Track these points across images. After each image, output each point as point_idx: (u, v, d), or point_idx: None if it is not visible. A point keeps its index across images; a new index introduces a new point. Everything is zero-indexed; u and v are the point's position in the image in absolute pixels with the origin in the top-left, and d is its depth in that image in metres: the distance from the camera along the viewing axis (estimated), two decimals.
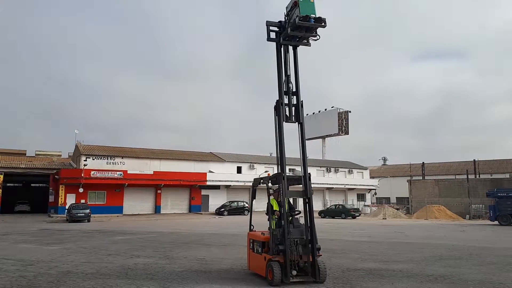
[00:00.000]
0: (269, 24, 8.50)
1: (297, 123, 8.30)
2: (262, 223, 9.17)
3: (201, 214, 41.51)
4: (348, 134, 66.38)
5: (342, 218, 36.26)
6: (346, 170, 58.27)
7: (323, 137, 67.66)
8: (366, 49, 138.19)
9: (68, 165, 44.16)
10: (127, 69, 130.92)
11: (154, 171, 40.75)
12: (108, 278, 8.21)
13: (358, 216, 37.87)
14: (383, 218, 36.74)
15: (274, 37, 8.50)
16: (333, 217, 37.08)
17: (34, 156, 50.02)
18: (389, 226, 26.00)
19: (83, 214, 29.30)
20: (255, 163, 49.50)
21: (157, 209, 41.53)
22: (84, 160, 38.25)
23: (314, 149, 69.27)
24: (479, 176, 46.82)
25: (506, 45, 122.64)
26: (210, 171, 44.77)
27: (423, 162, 51.11)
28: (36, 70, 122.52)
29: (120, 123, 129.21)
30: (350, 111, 66.65)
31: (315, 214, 8.60)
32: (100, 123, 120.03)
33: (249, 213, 9.44)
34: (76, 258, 11.08)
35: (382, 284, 7.63)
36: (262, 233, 8.24)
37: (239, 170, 48.27)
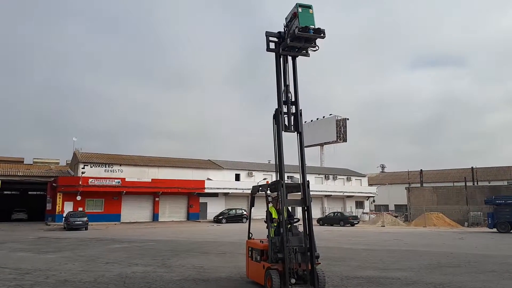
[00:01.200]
0: (268, 34, 8.57)
1: (296, 132, 8.35)
2: (260, 231, 9.17)
3: (199, 222, 41.38)
4: (346, 141, 66.55)
5: (340, 226, 36.22)
6: (345, 177, 58.30)
7: (321, 145, 67.80)
8: (365, 56, 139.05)
9: (66, 172, 44.07)
10: (125, 76, 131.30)
11: (152, 179, 40.69)
12: (106, 287, 8.17)
13: (356, 223, 37.82)
14: (381, 226, 36.69)
15: (274, 47, 8.57)
16: (331, 225, 37.03)
17: (31, 164, 49.93)
18: (388, 234, 25.97)
19: (80, 222, 29.16)
20: (254, 170, 49.48)
21: (155, 217, 41.39)
22: (82, 168, 38.20)
23: (312, 157, 69.26)
24: (477, 184, 46.90)
25: (503, 52, 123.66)
26: (208, 179, 44.72)
27: (421, 170, 51.16)
28: (34, 77, 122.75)
29: (118, 130, 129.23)
30: (348, 119, 66.91)
31: (314, 222, 8.59)
32: (98, 131, 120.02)
33: (248, 221, 9.45)
34: (74, 267, 11.03)
35: None
36: (260, 241, 8.24)
37: (237, 177, 48.22)
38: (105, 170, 40.11)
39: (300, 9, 7.87)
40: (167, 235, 24.11)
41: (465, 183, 41.50)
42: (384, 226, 36.59)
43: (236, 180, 47.58)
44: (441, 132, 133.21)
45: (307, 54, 8.45)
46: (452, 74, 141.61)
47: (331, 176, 56.21)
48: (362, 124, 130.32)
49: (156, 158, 47.65)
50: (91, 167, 39.19)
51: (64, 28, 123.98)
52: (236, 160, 53.91)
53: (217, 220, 40.02)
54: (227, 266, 10.99)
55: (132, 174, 40.53)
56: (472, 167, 48.54)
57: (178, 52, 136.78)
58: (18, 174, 40.33)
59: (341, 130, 65.67)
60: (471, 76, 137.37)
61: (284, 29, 8.35)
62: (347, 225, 36.64)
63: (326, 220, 38.65)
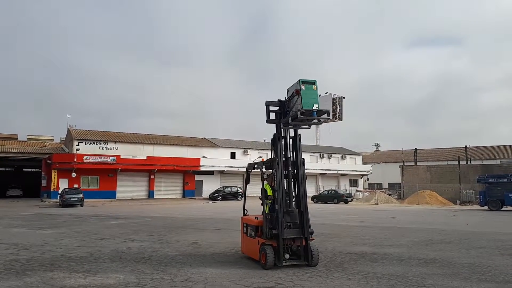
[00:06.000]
0: (268, 104, 8.07)
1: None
2: (255, 208, 9.23)
3: (195, 199, 41.64)
4: (341, 120, 66.43)
5: (334, 204, 36.59)
6: (339, 156, 58.56)
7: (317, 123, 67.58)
8: (362, 35, 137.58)
9: (61, 149, 43.86)
10: (120, 53, 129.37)
11: (147, 156, 40.63)
12: (102, 262, 8.24)
13: (350, 201, 38.23)
14: (375, 203, 37.12)
15: (274, 118, 8.10)
16: (325, 202, 37.41)
17: (25, 141, 49.57)
18: (381, 211, 26.30)
19: (76, 199, 29.23)
20: (249, 148, 49.52)
21: (150, 194, 41.56)
22: (77, 145, 38.00)
23: (307, 135, 69.43)
24: (471, 162, 47.33)
25: (501, 32, 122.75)
26: (203, 157, 44.75)
27: (415, 148, 51.46)
28: (28, 54, 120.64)
29: (113, 108, 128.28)
30: (344, 97, 66.61)
31: (308, 199, 8.61)
32: (93, 108, 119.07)
33: (243, 198, 9.49)
34: (70, 242, 11.09)
35: (373, 267, 7.75)
36: (255, 218, 8.31)
37: (232, 155, 48.29)
38: (99, 147, 39.96)
39: (303, 87, 7.34)
40: (163, 212, 24.27)
41: (459, 162, 41.86)
42: (377, 204, 37.02)
43: (231, 158, 47.68)
44: (437, 111, 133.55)
45: (309, 127, 8.06)
46: (449, 54, 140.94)
47: (325, 155, 56.42)
48: (358, 103, 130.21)
49: (152, 135, 47.48)
50: (85, 144, 38.99)
51: (60, 4, 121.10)
52: (232, 138, 53.91)
53: (212, 197, 40.29)
54: (222, 242, 11.10)
55: (127, 152, 40.43)
56: (466, 146, 48.84)
57: (176, 31, 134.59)
58: (12, 150, 40.10)
59: (337, 109, 65.45)
60: (468, 56, 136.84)
61: (286, 101, 7.91)
62: (341, 202, 37.03)
63: (320, 198, 39.03)
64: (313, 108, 7.27)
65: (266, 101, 8.12)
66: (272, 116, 8.17)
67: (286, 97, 7.98)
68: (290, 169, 8.03)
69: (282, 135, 8.08)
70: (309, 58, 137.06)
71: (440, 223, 17.96)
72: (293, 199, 7.96)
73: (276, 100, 8.16)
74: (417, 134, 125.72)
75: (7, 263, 8.15)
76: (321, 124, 8.48)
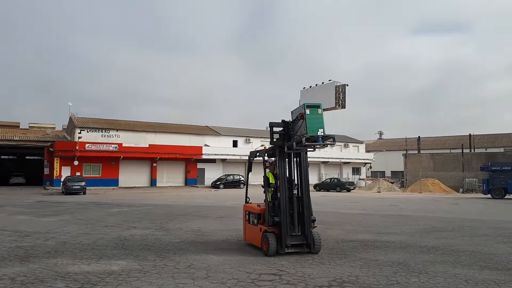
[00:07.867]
0: (272, 125, 7.97)
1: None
2: (257, 195, 9.23)
3: (197, 187, 41.76)
4: (344, 108, 65.69)
5: (337, 192, 36.66)
6: (342, 144, 58.39)
7: None
8: (366, 22, 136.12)
9: (63, 137, 43.89)
10: (123, 41, 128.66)
11: (149, 144, 40.64)
12: (105, 249, 8.28)
13: (352, 189, 38.28)
14: (377, 192, 37.15)
15: (278, 137, 8.01)
16: (328, 190, 37.48)
17: (27, 129, 49.64)
18: (384, 199, 26.32)
19: (78, 187, 29.33)
20: (251, 137, 49.43)
21: (153, 182, 41.71)
22: (79, 133, 38.00)
23: None
24: (474, 150, 47.17)
25: (507, 19, 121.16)
26: (206, 145, 44.75)
27: (418, 136, 51.28)
28: (30, 41, 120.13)
29: (115, 96, 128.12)
30: (347, 85, 66.00)
31: (310, 187, 8.58)
32: (95, 96, 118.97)
33: (245, 185, 9.47)
34: (73, 230, 11.14)
35: (375, 255, 7.75)
36: (258, 205, 8.31)
37: (235, 144, 48.22)
38: (101, 135, 39.94)
39: (308, 111, 7.20)
40: (165, 199, 24.34)
41: (462, 150, 41.74)
42: (380, 192, 37.06)
43: (233, 146, 47.63)
44: (441, 99, 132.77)
45: (313, 150, 7.98)
46: (454, 41, 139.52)
47: None
48: (362, 91, 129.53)
49: (154, 123, 47.42)
50: (87, 132, 38.99)
51: None
52: (234, 126, 53.80)
53: (214, 185, 40.41)
54: (225, 229, 11.13)
55: (129, 140, 40.44)
56: (469, 134, 48.63)
57: (178, 17, 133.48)
58: (15, 138, 40.16)
59: (340, 97, 64.87)
60: (474, 43, 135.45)
61: (290, 124, 7.82)
62: (344, 191, 37.09)
63: (322, 186, 39.09)
64: (318, 133, 7.16)
65: (270, 122, 8.05)
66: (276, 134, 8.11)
67: (290, 120, 7.89)
68: (293, 158, 7.99)
69: (286, 157, 7.99)
70: (312, 45, 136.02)
71: (442, 211, 17.96)
72: (295, 188, 7.95)
73: (280, 121, 8.07)
74: (420, 122, 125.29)
75: (11, 249, 8.20)
76: (326, 147, 8.70)
